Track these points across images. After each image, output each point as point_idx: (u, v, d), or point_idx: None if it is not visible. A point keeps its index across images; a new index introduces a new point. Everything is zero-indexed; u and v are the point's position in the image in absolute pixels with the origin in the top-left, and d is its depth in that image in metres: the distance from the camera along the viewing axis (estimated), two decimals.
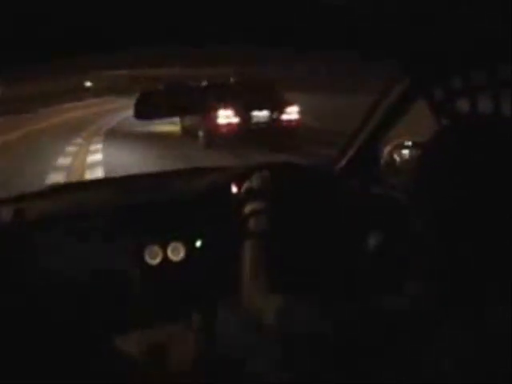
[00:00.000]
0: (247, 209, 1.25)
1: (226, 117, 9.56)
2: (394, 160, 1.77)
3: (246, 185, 1.34)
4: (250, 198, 1.27)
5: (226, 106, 9.48)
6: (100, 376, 1.48)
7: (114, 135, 13.49)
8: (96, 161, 9.44)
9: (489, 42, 1.15)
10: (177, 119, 11.63)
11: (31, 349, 1.46)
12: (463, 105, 1.33)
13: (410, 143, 1.75)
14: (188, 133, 11.40)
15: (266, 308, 0.94)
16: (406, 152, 1.76)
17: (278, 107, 9.91)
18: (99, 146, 11.38)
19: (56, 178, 7.75)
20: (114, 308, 1.59)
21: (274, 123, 9.83)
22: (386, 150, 1.80)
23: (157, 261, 1.64)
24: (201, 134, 10.26)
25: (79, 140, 12.75)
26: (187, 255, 1.66)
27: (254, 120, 9.76)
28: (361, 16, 1.04)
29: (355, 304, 0.79)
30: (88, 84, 37.91)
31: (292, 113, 10.06)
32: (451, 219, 0.70)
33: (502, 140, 0.69)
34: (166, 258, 1.65)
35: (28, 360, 1.44)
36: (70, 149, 11.19)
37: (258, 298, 1.01)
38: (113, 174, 6.11)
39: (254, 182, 1.32)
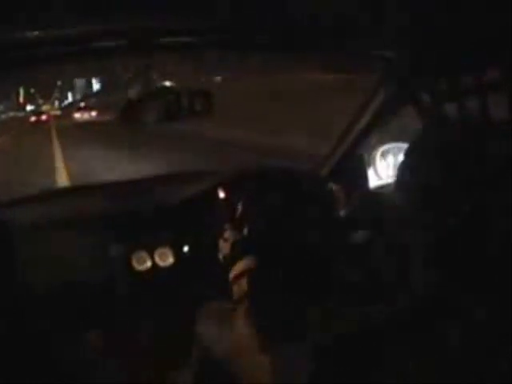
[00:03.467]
0: (235, 270, 1.17)
1: None
2: (380, 164, 1.78)
3: (227, 245, 1.24)
4: (236, 257, 1.21)
5: None
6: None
7: None
8: None
9: (476, 45, 1.16)
10: None
11: (15, 350, 1.45)
12: (450, 108, 1.33)
13: (396, 147, 1.76)
14: None
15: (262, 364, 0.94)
16: (392, 156, 1.76)
17: None
18: None
19: None
20: (101, 314, 1.58)
21: None
22: (373, 154, 1.80)
23: (145, 266, 1.63)
24: None
25: None
26: (175, 261, 1.66)
27: None
28: (348, 17, 1.04)
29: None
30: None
31: None
32: (435, 221, 0.70)
33: (483, 143, 0.69)
34: (154, 264, 1.64)
35: (15, 360, 1.43)
36: None
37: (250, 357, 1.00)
38: None
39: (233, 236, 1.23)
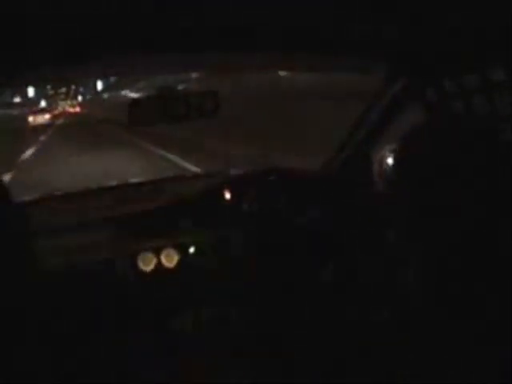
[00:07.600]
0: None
1: None
2: (386, 163, 1.76)
3: None
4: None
5: None
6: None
7: None
8: None
9: (480, 44, 1.15)
10: None
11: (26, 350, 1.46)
12: (456, 106, 1.32)
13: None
14: None
15: None
16: (398, 155, 1.74)
17: None
18: None
19: None
20: (108, 314, 1.58)
21: None
22: (379, 153, 1.78)
23: (150, 267, 1.64)
24: None
25: None
26: (181, 261, 1.66)
27: None
28: (351, 18, 1.03)
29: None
30: None
31: None
32: (427, 218, 0.70)
33: (486, 141, 0.69)
34: (159, 265, 1.64)
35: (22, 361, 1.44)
36: None
37: None
38: None
39: None
